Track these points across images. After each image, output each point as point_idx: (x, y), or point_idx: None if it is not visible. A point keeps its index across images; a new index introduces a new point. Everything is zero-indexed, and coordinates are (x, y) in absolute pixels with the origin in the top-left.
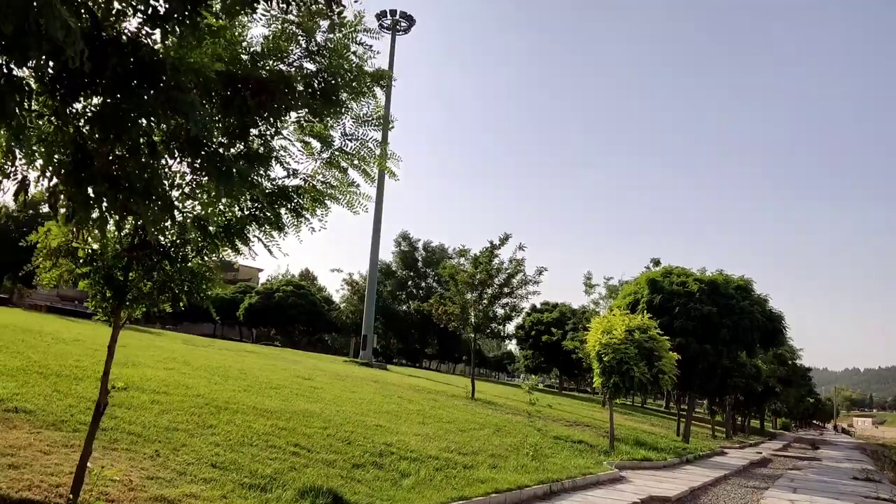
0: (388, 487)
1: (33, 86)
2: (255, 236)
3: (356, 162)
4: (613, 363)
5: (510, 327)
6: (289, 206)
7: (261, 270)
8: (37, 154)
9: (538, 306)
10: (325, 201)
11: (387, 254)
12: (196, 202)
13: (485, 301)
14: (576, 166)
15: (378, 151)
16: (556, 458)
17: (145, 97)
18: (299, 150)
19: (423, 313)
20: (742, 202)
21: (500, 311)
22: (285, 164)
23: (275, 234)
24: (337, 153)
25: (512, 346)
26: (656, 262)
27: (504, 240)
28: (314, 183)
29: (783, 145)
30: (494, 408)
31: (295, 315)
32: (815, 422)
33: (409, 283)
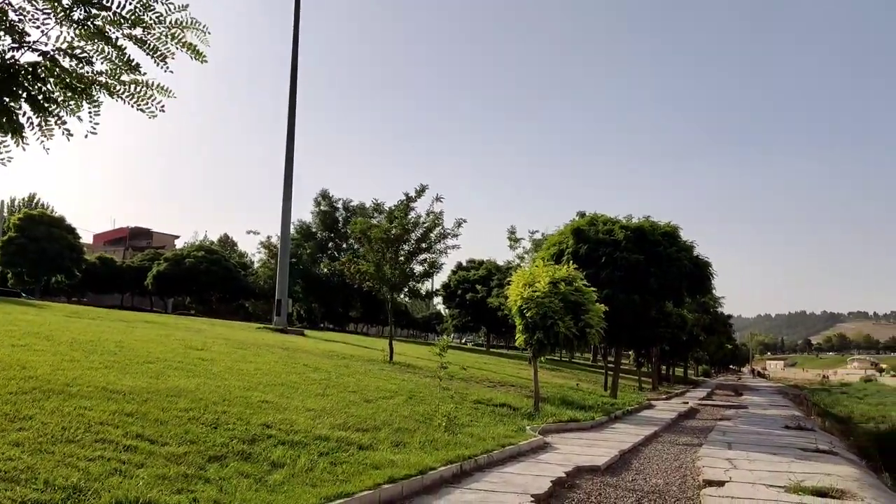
0: (246, 487)
1: None
2: None
3: (138, 33)
4: (537, 318)
5: (433, 285)
6: (25, 94)
7: (177, 237)
8: None
9: (464, 264)
10: (92, 92)
11: (307, 214)
12: None
13: (401, 258)
14: (509, 120)
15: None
16: (473, 428)
17: None
18: (34, 6)
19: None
20: (667, 146)
21: (418, 269)
22: (11, 25)
23: (6, 137)
24: (101, 15)
25: (441, 305)
26: (581, 215)
27: (420, 191)
28: (63, 60)
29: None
30: (413, 371)
31: (209, 282)
32: (732, 367)
33: (330, 244)
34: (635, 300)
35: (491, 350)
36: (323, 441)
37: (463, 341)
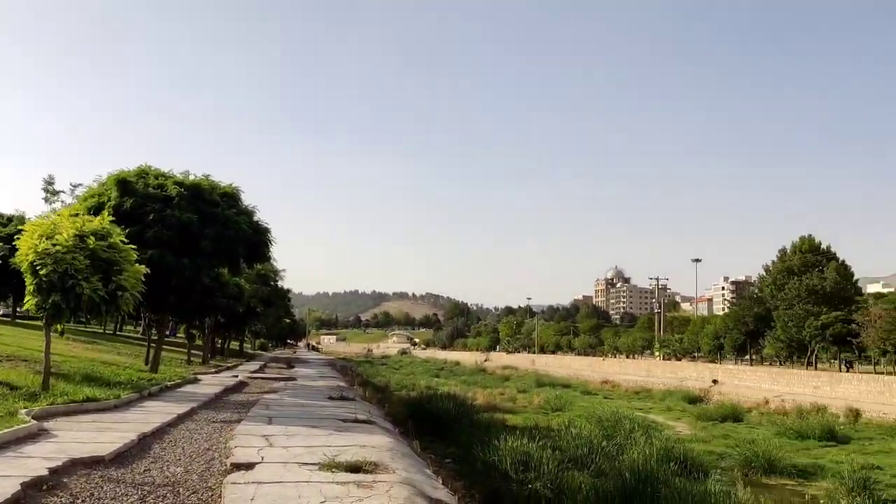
0: None
1: None
2: None
3: None
4: (54, 277)
5: None
6: None
7: None
8: None
9: None
10: None
11: None
12: None
13: None
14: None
15: None
16: None
17: None
18: None
19: None
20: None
21: None
22: None
23: None
24: None
25: None
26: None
27: None
28: None
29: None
30: None
31: None
32: (289, 341)
33: None
34: (185, 264)
35: (18, 319)
36: None
37: None
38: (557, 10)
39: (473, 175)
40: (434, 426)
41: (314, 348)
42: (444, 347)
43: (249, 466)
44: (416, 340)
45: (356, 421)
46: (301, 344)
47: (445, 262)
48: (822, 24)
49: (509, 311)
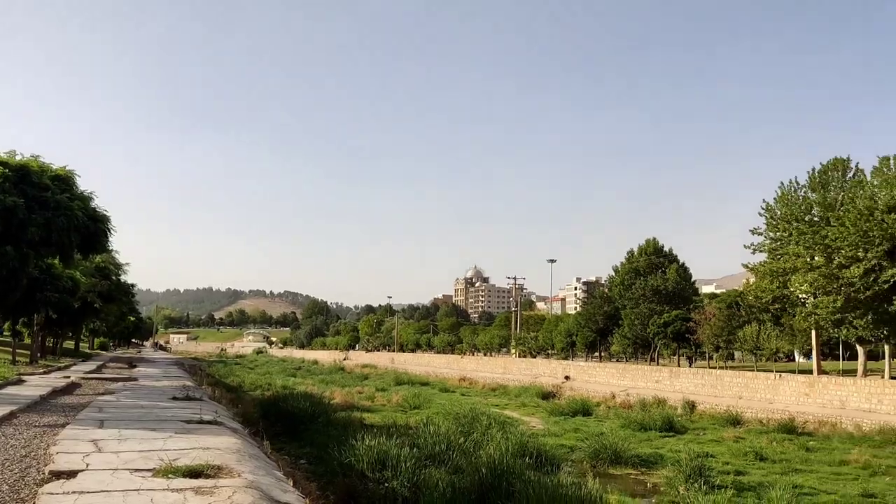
0: None
1: None
2: None
3: None
4: None
5: None
6: None
7: None
8: None
9: None
10: None
11: None
12: None
13: None
14: None
15: None
16: None
17: None
18: None
19: None
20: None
21: None
22: None
23: None
24: None
25: None
26: None
27: None
28: None
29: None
30: None
31: None
32: (134, 340)
33: None
34: (9, 252)
35: None
36: None
37: None
38: (413, 14)
39: (338, 174)
40: (289, 426)
41: (162, 348)
42: (302, 346)
43: (71, 474)
44: (274, 339)
45: (201, 422)
46: (148, 343)
47: (305, 260)
48: (655, 26)
49: (370, 309)
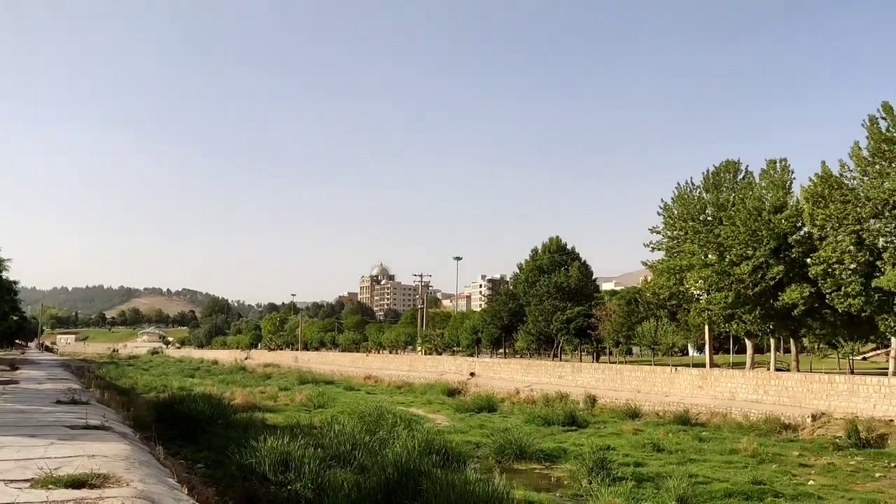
0: None
1: None
2: None
3: None
4: None
5: None
6: None
7: None
8: None
9: None
10: None
11: None
12: None
13: None
14: None
15: None
16: None
17: None
18: None
19: None
20: None
21: None
22: None
23: None
24: None
25: None
26: None
27: None
28: None
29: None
30: None
31: None
32: (18, 341)
33: None
34: None
35: None
36: None
37: None
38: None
39: (239, 170)
40: (185, 430)
41: (48, 349)
42: (201, 346)
43: None
44: (171, 339)
45: (87, 427)
46: (32, 344)
47: (205, 257)
48: (564, 30)
49: (273, 307)
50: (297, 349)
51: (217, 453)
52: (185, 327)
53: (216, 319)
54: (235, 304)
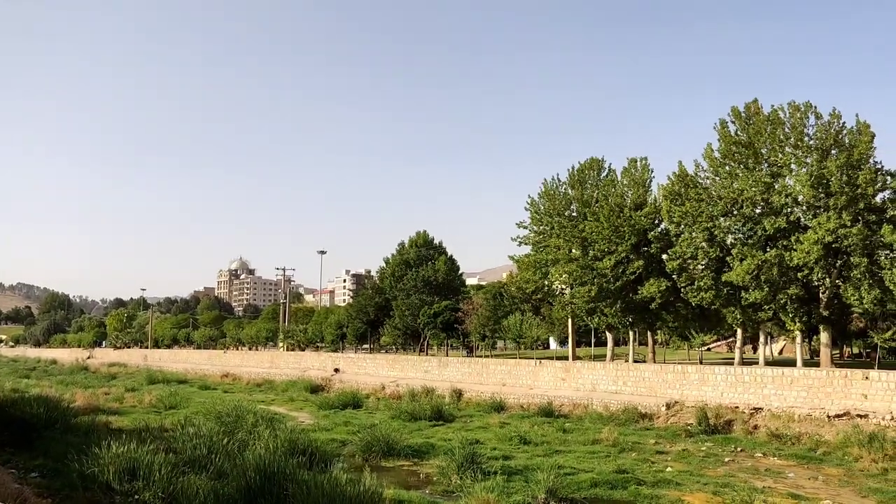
0: None
1: None
2: None
3: None
4: None
5: None
6: None
7: None
8: None
9: None
10: None
11: None
12: None
13: None
14: None
15: None
16: None
17: None
18: None
19: None
20: None
21: None
22: None
23: None
24: None
25: None
26: None
27: None
28: None
29: None
30: None
31: None
32: None
33: None
34: None
35: None
36: None
37: None
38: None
39: (72, 158)
40: (18, 435)
41: None
42: (38, 344)
43: None
44: (3, 337)
45: None
46: None
47: (42, 249)
48: (442, 21)
49: (120, 303)
50: (146, 347)
51: (55, 461)
52: (19, 324)
53: (55, 316)
54: (77, 300)
